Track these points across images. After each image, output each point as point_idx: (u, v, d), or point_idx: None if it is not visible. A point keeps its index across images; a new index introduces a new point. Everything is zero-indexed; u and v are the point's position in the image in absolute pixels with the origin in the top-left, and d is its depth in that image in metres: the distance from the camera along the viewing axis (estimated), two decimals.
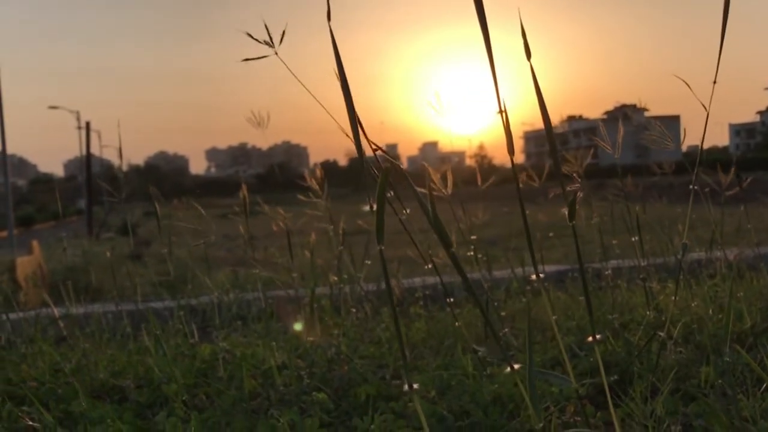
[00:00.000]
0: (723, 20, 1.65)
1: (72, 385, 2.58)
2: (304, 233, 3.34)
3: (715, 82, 1.67)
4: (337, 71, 1.05)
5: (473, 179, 3.07)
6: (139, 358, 2.84)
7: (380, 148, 1.25)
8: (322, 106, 2.02)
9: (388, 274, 0.97)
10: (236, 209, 2.93)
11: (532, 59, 1.21)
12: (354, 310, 3.32)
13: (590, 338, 1.06)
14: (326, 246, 3.58)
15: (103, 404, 2.31)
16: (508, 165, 1.22)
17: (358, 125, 1.17)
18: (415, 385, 0.94)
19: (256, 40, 1.86)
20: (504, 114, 1.05)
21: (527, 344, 0.98)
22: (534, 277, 1.14)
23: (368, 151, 2.13)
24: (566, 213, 1.87)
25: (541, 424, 1.00)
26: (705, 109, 1.72)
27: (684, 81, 1.74)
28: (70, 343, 3.36)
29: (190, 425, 1.97)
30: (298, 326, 2.71)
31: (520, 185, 3.22)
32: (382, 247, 0.95)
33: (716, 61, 1.78)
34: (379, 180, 0.93)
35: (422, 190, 2.12)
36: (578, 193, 1.95)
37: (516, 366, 1.03)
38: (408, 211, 2.45)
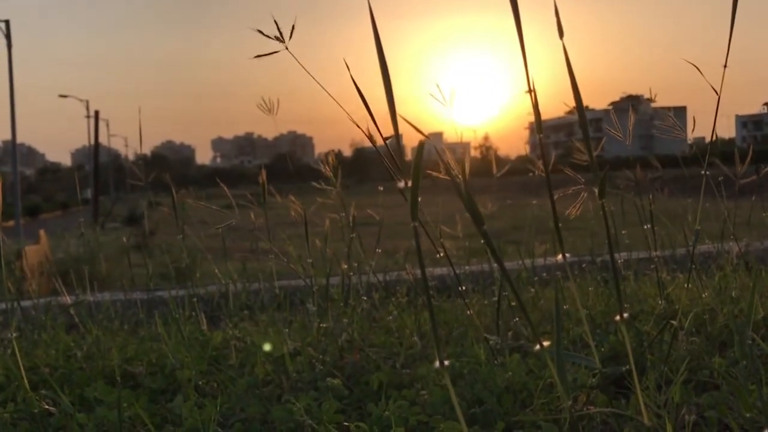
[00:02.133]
0: (732, 8, 1.65)
1: (85, 370, 2.60)
2: (312, 223, 3.34)
3: (725, 66, 1.67)
4: (378, 60, 1.05)
5: (477, 170, 3.07)
6: (152, 345, 2.85)
7: (419, 130, 1.26)
8: (339, 104, 2.03)
9: (421, 254, 0.97)
10: (249, 197, 2.94)
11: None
12: (364, 299, 3.33)
13: (618, 317, 1.06)
14: (335, 235, 3.59)
15: (117, 390, 2.32)
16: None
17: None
18: (447, 362, 0.95)
19: (266, 35, 1.86)
20: (533, 93, 1.06)
21: (555, 323, 0.99)
22: (559, 257, 1.14)
23: (378, 140, 2.14)
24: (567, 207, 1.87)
25: (570, 402, 1.01)
26: (716, 93, 1.72)
27: (696, 66, 1.74)
28: (81, 331, 3.38)
29: (206, 410, 1.98)
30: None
31: (528, 176, 3.21)
32: (416, 224, 0.96)
33: (724, 54, 1.78)
34: (415, 154, 0.93)
35: (438, 174, 2.13)
36: (584, 195, 1.95)
37: (546, 343, 1.04)
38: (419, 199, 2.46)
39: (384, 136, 1.96)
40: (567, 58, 1.04)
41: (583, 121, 1.07)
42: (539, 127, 1.09)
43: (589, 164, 1.20)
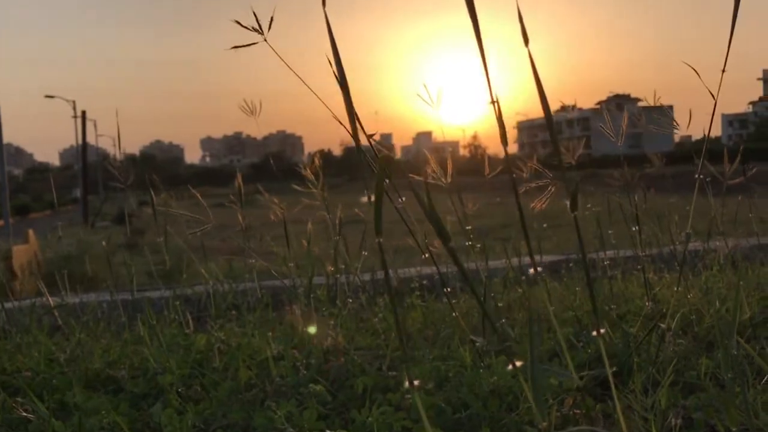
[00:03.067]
0: (734, 10, 1.64)
1: (66, 375, 2.56)
2: (300, 222, 3.32)
3: (724, 70, 1.66)
4: (333, 60, 1.02)
5: (466, 169, 3.05)
6: (134, 348, 2.82)
7: (372, 138, 1.23)
8: (318, 97, 2.00)
9: (387, 268, 0.95)
10: (231, 198, 2.91)
11: (523, 49, 1.18)
12: (350, 300, 3.30)
13: (594, 333, 1.04)
14: (322, 235, 3.57)
15: (98, 395, 2.29)
16: (502, 155, 1.20)
17: (355, 115, 1.15)
18: (416, 382, 0.92)
19: (244, 26, 1.83)
20: (496, 104, 1.03)
21: (530, 341, 0.96)
22: (532, 271, 1.12)
23: (364, 141, 2.12)
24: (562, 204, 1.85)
25: (545, 423, 0.98)
26: (713, 97, 1.71)
27: (693, 68, 1.73)
28: (65, 333, 3.34)
29: (186, 417, 1.95)
30: (312, 329, 2.68)
31: (515, 176, 3.21)
32: (381, 240, 0.93)
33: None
34: (377, 170, 0.91)
35: (419, 178, 2.11)
36: (551, 189, 1.93)
37: (518, 363, 1.02)
38: (404, 199, 2.45)
39: (367, 136, 1.95)
40: (533, 64, 1.01)
41: (550, 124, 1.05)
42: (504, 139, 1.07)
43: (558, 165, 1.18)
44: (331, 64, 1.71)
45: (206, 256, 3.80)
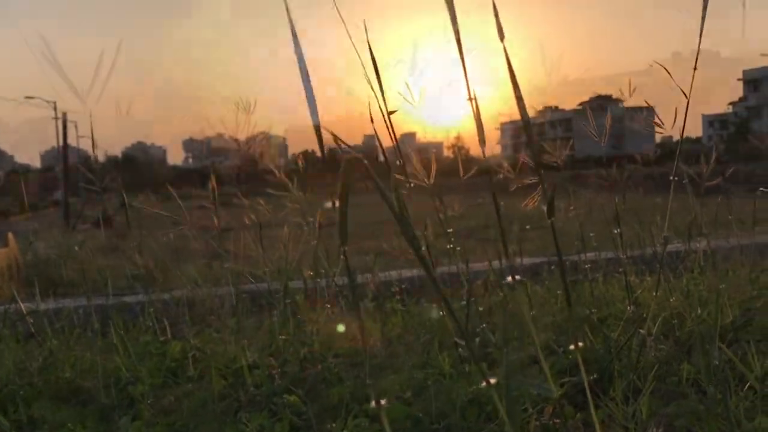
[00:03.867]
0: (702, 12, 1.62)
1: (35, 385, 2.49)
2: (283, 225, 3.26)
3: (695, 68, 1.64)
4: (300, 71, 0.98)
5: (449, 170, 3.01)
6: (107, 357, 2.75)
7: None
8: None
9: (353, 279, 0.90)
10: (209, 200, 2.86)
11: (509, 49, 1.14)
12: (329, 305, 3.24)
13: (572, 346, 0.99)
14: (303, 238, 3.51)
15: (66, 407, 2.22)
16: (486, 156, 1.16)
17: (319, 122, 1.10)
18: (383, 401, 0.87)
19: None
20: (474, 101, 0.99)
21: (504, 356, 0.92)
22: (510, 279, 1.08)
23: (356, 140, 2.09)
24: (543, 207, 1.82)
25: None
26: (686, 97, 1.68)
27: (665, 68, 1.70)
28: (39, 340, 3.26)
29: (155, 429, 1.89)
30: (340, 327, 2.63)
31: (498, 177, 3.17)
32: (345, 248, 0.89)
33: (691, 54, 1.76)
34: (340, 175, 0.87)
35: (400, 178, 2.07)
36: (542, 187, 1.89)
37: (492, 380, 0.97)
38: (410, 184, 2.41)
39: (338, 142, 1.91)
40: (508, 61, 0.97)
41: (526, 124, 1.01)
42: (482, 140, 1.03)
43: (536, 169, 1.14)
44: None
45: (183, 259, 3.73)
